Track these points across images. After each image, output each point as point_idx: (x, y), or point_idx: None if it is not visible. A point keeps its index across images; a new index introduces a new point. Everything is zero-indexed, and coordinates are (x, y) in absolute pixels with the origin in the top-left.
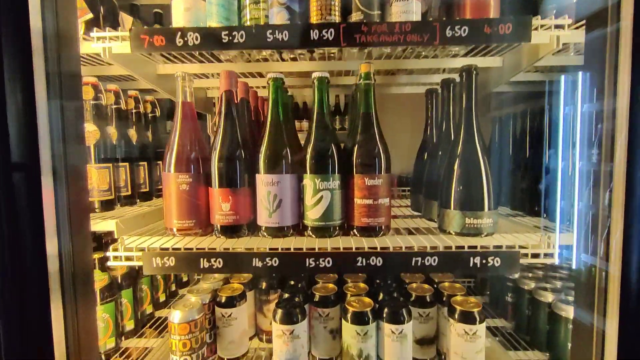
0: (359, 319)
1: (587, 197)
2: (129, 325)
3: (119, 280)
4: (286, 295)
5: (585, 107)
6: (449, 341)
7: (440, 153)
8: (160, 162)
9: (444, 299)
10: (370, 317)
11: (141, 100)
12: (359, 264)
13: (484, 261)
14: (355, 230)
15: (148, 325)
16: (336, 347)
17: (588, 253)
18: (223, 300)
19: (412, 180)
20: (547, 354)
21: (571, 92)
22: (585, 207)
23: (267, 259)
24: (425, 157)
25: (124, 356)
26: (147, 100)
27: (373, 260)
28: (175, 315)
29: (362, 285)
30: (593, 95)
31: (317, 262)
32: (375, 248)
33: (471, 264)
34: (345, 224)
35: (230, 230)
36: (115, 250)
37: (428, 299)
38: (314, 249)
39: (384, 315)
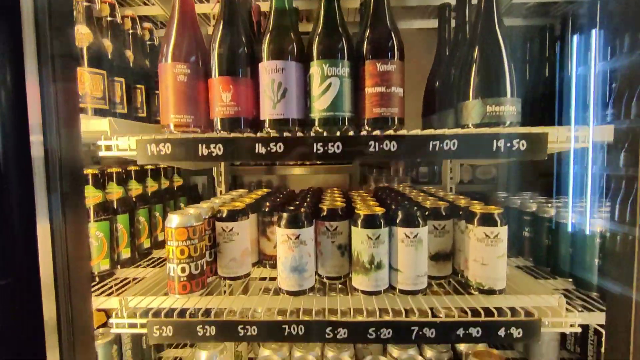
0: (371, 222)
1: None
2: (125, 253)
3: (115, 205)
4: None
5: None
6: (467, 249)
7: (453, 66)
8: (158, 92)
9: (460, 212)
10: (382, 221)
11: (139, 23)
12: (371, 148)
13: (507, 144)
14: (366, 124)
15: (145, 261)
16: (345, 264)
17: None
18: (224, 214)
19: (423, 107)
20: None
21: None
22: None
23: (272, 145)
24: (436, 77)
25: (119, 281)
26: (144, 27)
27: (387, 145)
28: (173, 220)
29: (371, 201)
30: None
31: (326, 148)
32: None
33: (494, 148)
34: (356, 118)
35: (231, 124)
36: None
37: (443, 212)
38: (322, 133)
39: (398, 220)
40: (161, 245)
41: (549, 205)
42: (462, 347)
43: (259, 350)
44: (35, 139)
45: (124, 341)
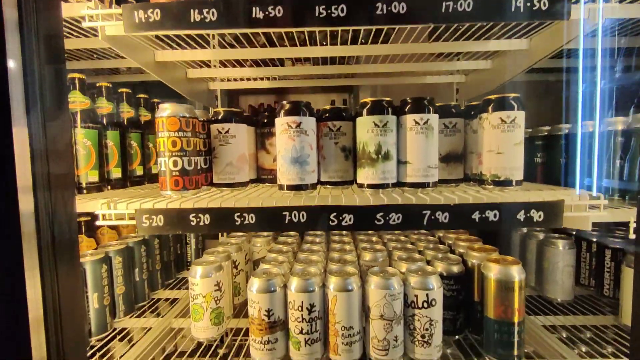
0: (378, 108)
1: None
2: (115, 173)
3: (104, 119)
4: None
5: None
6: (482, 142)
7: None
8: None
9: (472, 112)
10: (390, 109)
11: None
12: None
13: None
14: None
15: (138, 187)
16: (349, 169)
17: None
18: (220, 115)
19: None
20: None
21: None
22: None
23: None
24: None
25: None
26: None
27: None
28: (165, 108)
29: None
30: None
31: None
32: None
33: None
34: None
35: None
36: None
37: (454, 110)
38: None
39: (406, 108)
40: (154, 178)
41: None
42: (473, 259)
43: (258, 267)
44: None
45: (115, 264)
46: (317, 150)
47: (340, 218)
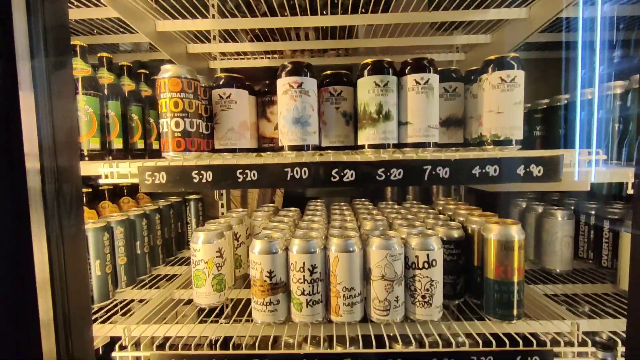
0: (378, 68)
1: None
2: (117, 144)
3: (105, 89)
4: None
5: None
6: (482, 104)
7: None
8: None
9: (472, 77)
10: (391, 69)
11: None
12: None
13: None
14: None
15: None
16: (350, 134)
17: None
18: (222, 80)
19: None
20: None
21: None
22: None
23: None
24: None
25: None
26: None
27: None
28: (167, 70)
29: None
30: None
31: None
32: None
33: None
34: None
35: None
36: None
37: (453, 74)
38: None
39: (407, 69)
40: (156, 153)
41: None
42: (473, 225)
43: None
44: None
45: (116, 234)
46: (318, 115)
47: (342, 174)
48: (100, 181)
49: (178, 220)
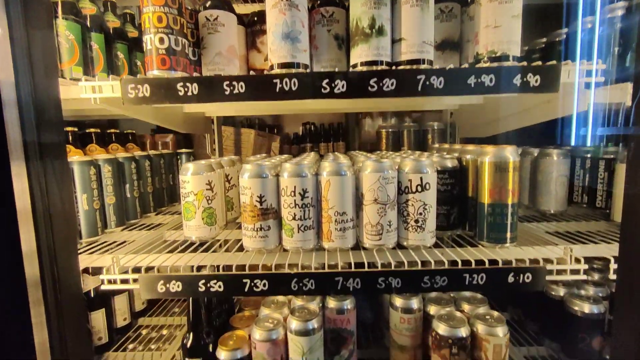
0: None
1: None
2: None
3: (88, 20)
4: None
5: None
6: (478, 20)
7: None
8: None
9: (469, 1)
10: None
11: None
12: None
13: None
14: None
15: None
16: (342, 59)
17: None
18: (209, 2)
19: None
20: None
21: None
22: None
23: None
24: None
25: None
26: None
27: None
28: None
29: None
30: None
31: None
32: None
33: None
34: None
35: None
36: None
37: None
38: None
39: None
40: None
41: None
42: (467, 155)
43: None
44: None
45: (104, 172)
46: (309, 39)
47: (333, 85)
48: (82, 95)
49: (170, 173)
